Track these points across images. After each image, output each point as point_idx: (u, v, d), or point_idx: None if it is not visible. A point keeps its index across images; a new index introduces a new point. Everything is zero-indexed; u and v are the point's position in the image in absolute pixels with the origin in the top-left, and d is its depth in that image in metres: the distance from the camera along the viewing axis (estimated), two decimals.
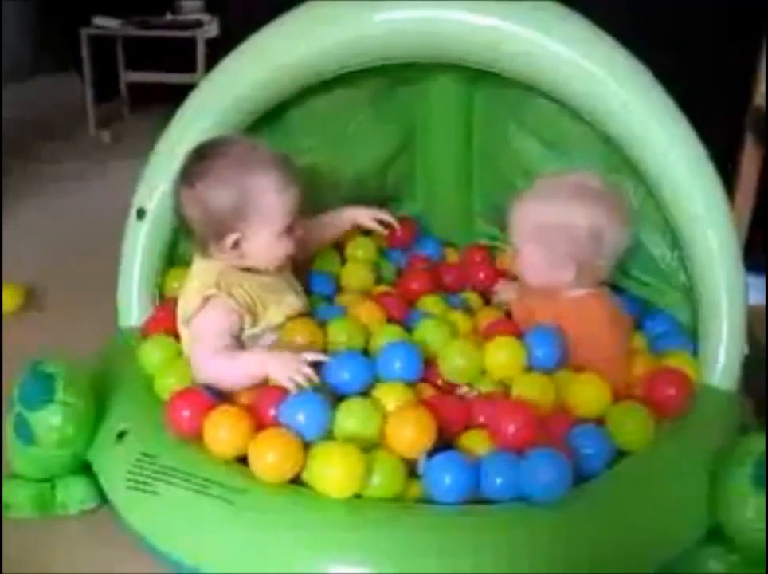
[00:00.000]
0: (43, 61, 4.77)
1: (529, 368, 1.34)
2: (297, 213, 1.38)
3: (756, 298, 1.67)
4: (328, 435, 1.20)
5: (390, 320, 1.50)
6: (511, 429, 1.18)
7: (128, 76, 4.14)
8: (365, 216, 1.69)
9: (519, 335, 1.40)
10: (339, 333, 1.41)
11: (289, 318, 1.40)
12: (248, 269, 1.39)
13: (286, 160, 1.37)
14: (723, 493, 1.17)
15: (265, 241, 1.36)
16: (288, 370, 1.24)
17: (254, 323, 1.35)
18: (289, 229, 1.38)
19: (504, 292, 1.63)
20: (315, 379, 1.25)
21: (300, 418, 1.18)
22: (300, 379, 1.23)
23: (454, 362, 1.34)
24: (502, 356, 1.34)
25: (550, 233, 1.38)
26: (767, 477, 1.13)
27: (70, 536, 1.31)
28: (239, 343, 1.35)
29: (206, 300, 1.33)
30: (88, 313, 1.87)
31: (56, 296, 2.15)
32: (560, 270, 1.39)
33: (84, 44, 3.76)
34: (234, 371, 1.30)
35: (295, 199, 1.36)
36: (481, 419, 1.26)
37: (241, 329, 1.34)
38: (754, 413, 1.49)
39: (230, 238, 1.34)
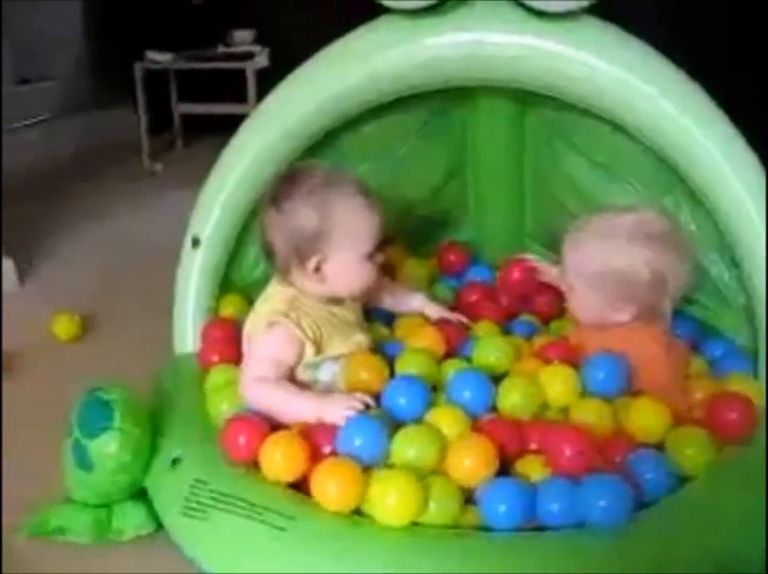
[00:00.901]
0: (101, 95, 4.89)
1: (589, 394, 1.32)
2: (379, 240, 1.38)
3: None
4: (386, 461, 1.19)
5: (448, 347, 1.47)
6: (567, 453, 1.16)
7: (181, 108, 4.21)
8: (435, 314, 1.60)
9: (574, 356, 1.38)
10: (407, 367, 1.38)
11: (352, 353, 1.39)
12: (323, 299, 1.39)
13: (368, 187, 1.38)
14: None
15: (348, 264, 1.36)
16: (340, 410, 1.23)
17: (316, 353, 1.35)
18: (371, 256, 1.38)
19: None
20: (371, 405, 1.25)
21: (358, 442, 1.17)
22: (351, 415, 1.22)
23: (513, 399, 1.31)
24: (557, 384, 1.32)
25: (608, 280, 1.36)
26: None
27: (125, 561, 1.31)
28: (293, 373, 1.35)
29: (272, 325, 1.33)
30: (144, 340, 1.89)
31: (112, 323, 2.18)
32: (617, 312, 1.38)
33: (138, 77, 3.85)
34: (285, 406, 1.29)
35: (379, 224, 1.37)
36: (536, 445, 1.23)
37: (300, 359, 1.34)
38: None
39: (313, 260, 1.34)
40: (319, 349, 1.35)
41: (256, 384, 1.31)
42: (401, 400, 1.27)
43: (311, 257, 1.34)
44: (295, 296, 1.37)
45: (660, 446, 1.23)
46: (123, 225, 3.06)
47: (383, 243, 1.43)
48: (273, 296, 1.40)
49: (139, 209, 3.25)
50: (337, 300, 1.41)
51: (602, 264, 1.36)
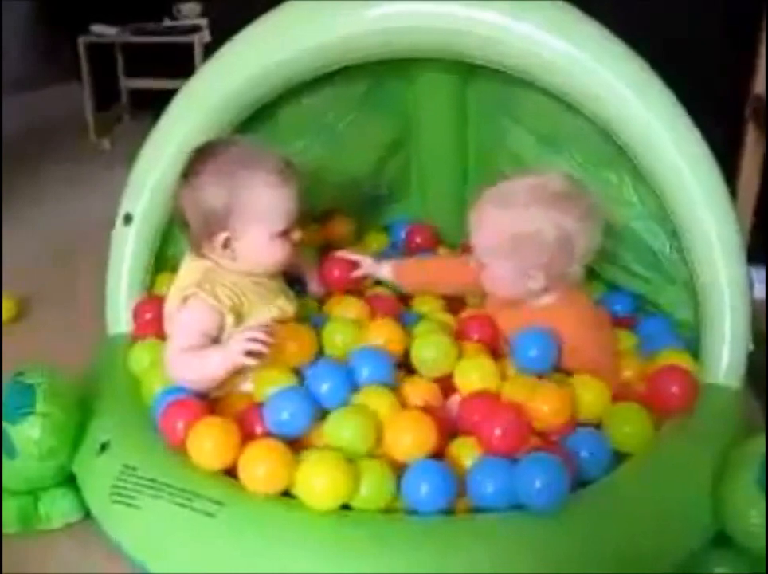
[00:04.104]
0: (47, 72, 4.77)
1: (520, 371, 1.29)
2: (295, 216, 1.35)
3: (759, 291, 1.63)
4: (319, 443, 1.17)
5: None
6: (498, 432, 1.13)
7: (127, 83, 4.13)
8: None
9: (495, 330, 1.38)
10: (333, 335, 1.37)
11: (276, 320, 1.36)
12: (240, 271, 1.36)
13: (286, 163, 1.35)
14: (727, 496, 1.13)
15: (258, 242, 1.34)
16: (238, 347, 1.21)
17: (238, 322, 1.31)
18: (285, 233, 1.35)
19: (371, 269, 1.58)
20: (269, 340, 1.22)
21: (285, 415, 1.16)
22: (252, 346, 1.20)
23: (471, 377, 1.27)
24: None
25: (515, 245, 1.30)
26: None
27: (60, 550, 1.28)
28: (216, 343, 1.31)
29: (186, 299, 1.31)
30: (83, 322, 1.83)
31: (50, 305, 2.13)
32: (528, 280, 1.32)
33: (83, 52, 3.76)
34: (197, 367, 1.26)
35: (292, 202, 1.34)
36: (468, 426, 1.20)
37: (221, 329, 1.31)
38: (762, 411, 1.44)
39: (221, 236, 1.32)
40: (240, 318, 1.32)
41: (177, 358, 1.28)
42: (323, 386, 1.23)
43: (219, 234, 1.32)
44: (208, 267, 1.35)
45: (598, 424, 1.22)
46: (69, 203, 3.00)
47: (325, 217, 1.38)
48: (187, 271, 1.38)
49: (86, 186, 3.18)
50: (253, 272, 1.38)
51: (507, 231, 1.31)
